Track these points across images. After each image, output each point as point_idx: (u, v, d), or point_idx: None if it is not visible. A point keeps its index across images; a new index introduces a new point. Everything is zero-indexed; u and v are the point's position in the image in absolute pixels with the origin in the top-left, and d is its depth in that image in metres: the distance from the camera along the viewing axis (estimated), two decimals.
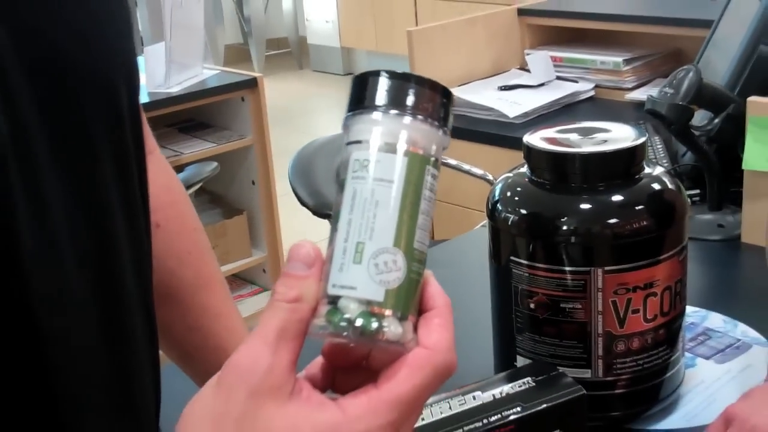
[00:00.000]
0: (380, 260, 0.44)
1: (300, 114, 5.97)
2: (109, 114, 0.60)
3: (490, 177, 1.94)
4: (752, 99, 1.36)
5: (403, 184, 0.46)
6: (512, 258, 0.95)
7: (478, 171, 1.96)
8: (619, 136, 0.97)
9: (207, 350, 0.83)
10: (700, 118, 1.53)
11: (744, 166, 1.37)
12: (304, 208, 1.78)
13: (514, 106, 2.19)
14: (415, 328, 0.46)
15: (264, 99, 2.87)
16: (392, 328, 0.44)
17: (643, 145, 0.95)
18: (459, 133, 2.24)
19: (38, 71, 0.53)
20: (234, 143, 2.91)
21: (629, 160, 0.95)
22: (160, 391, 0.66)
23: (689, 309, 1.04)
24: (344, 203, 0.46)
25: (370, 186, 0.46)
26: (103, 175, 0.59)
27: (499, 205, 0.97)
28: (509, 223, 0.95)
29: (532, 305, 0.94)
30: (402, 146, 0.47)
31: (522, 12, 2.53)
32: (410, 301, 0.45)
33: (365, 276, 0.44)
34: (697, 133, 1.49)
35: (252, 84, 2.85)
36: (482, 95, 2.28)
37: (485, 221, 1.02)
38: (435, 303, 0.47)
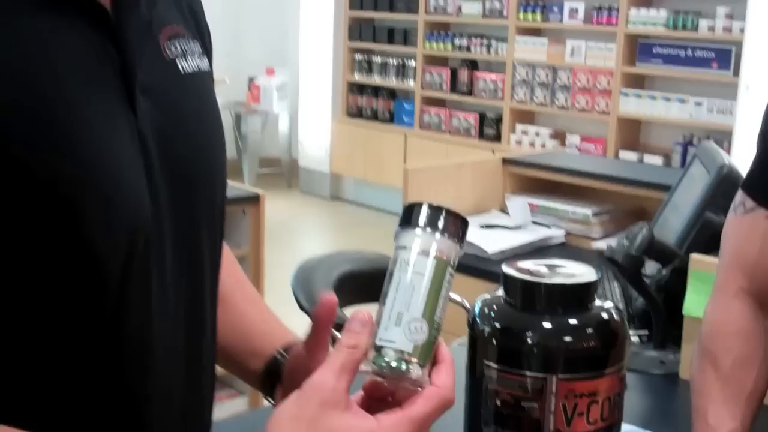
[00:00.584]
0: (412, 325, 0.69)
1: (286, 231, 6.21)
2: (209, 209, 0.85)
3: (467, 304, 2.17)
4: (694, 256, 1.62)
5: (431, 277, 0.70)
6: (485, 362, 1.17)
7: (457, 297, 2.19)
8: (578, 272, 1.21)
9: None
10: (651, 268, 1.78)
11: (684, 313, 1.61)
12: (289, 317, 1.98)
13: (493, 243, 2.45)
14: (429, 373, 0.70)
15: (264, 214, 3.12)
16: (416, 370, 0.69)
17: (595, 282, 1.18)
18: None
19: (170, 173, 0.77)
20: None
21: (584, 292, 1.18)
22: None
23: (628, 426, 1.26)
24: (391, 286, 0.70)
25: (409, 276, 0.70)
26: (202, 253, 0.83)
27: (477, 319, 1.20)
28: (485, 333, 1.18)
29: (498, 402, 1.16)
30: (432, 253, 0.71)
31: (506, 161, 2.83)
32: (429, 354, 0.70)
33: (401, 335, 0.68)
34: (648, 281, 1.74)
35: (254, 199, 3.10)
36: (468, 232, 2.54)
37: (461, 339, 1.25)
38: (443, 358, 0.72)
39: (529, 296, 1.19)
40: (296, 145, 7.66)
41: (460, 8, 6.39)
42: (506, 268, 1.23)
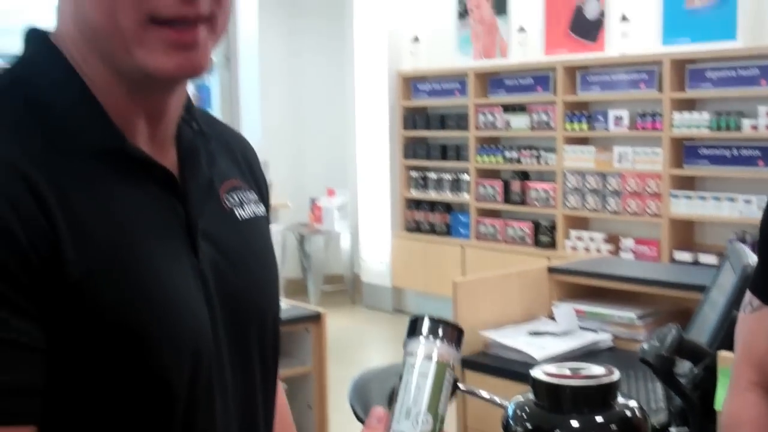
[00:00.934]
0: (420, 418, 0.83)
1: (351, 346, 6.34)
2: (261, 333, 1.01)
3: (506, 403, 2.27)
4: (722, 353, 1.72)
5: (434, 377, 0.85)
6: None
7: (497, 399, 2.30)
8: (600, 373, 1.33)
9: None
10: (685, 367, 1.88)
11: (716, 408, 1.70)
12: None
13: (540, 350, 2.56)
14: None
15: (326, 332, 3.27)
16: None
17: (616, 382, 1.30)
18: (491, 371, 2.60)
19: (226, 305, 0.94)
20: (294, 369, 3.29)
21: (607, 391, 1.31)
22: None
23: None
24: (401, 386, 0.85)
25: (415, 378, 0.85)
26: (253, 372, 0.99)
27: (510, 420, 1.32)
28: None
29: None
30: (434, 358, 0.86)
31: (552, 270, 2.96)
32: None
33: (411, 427, 0.83)
34: (683, 380, 1.83)
35: (316, 318, 3.26)
36: (514, 339, 2.66)
37: None
38: None
39: (555, 397, 1.31)
40: (358, 262, 7.85)
41: (508, 122, 6.61)
42: (533, 372, 1.36)
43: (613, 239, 6.05)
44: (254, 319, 1.00)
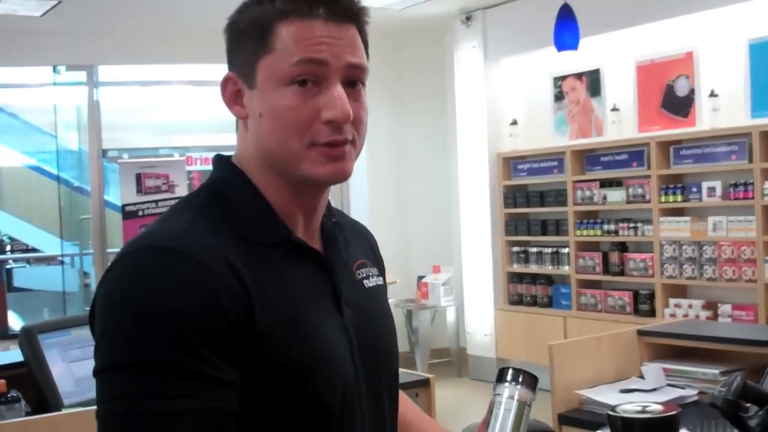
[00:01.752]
0: None
1: (457, 415, 6.58)
2: (388, 373, 1.36)
3: None
4: None
5: (515, 413, 1.19)
6: None
7: None
8: (664, 410, 1.63)
9: None
10: (752, 411, 2.13)
11: None
12: None
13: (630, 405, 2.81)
14: None
15: (434, 396, 3.58)
16: None
17: (676, 415, 1.60)
18: (585, 425, 2.87)
19: (363, 352, 1.29)
20: None
21: (670, 422, 1.60)
22: None
23: None
24: (491, 419, 1.20)
25: (501, 412, 1.19)
26: (383, 400, 1.34)
27: None
28: None
29: None
30: (515, 397, 1.20)
31: (641, 333, 3.22)
32: None
33: None
34: (753, 423, 2.09)
35: (425, 383, 3.57)
36: (606, 396, 2.93)
37: None
38: None
39: (628, 429, 1.62)
40: (464, 335, 8.12)
41: (605, 197, 6.87)
42: (609, 411, 1.68)
43: (711, 305, 6.20)
44: (384, 363, 1.36)
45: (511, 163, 7.74)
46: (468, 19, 7.83)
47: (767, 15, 5.70)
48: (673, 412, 1.61)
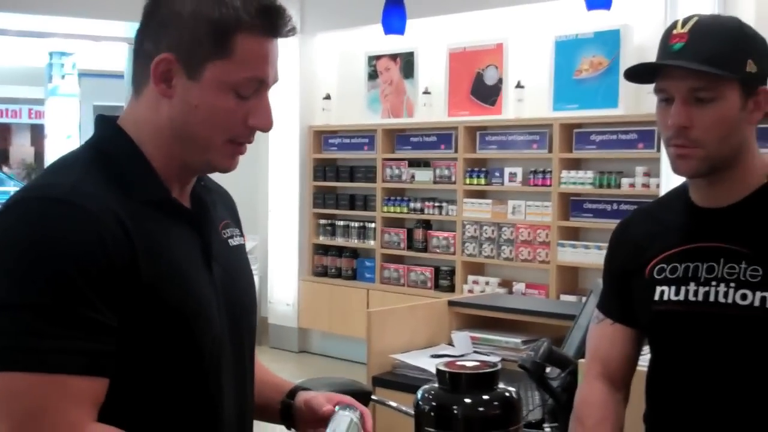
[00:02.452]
0: None
1: None
2: (248, 324, 1.45)
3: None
4: (581, 361, 2.20)
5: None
6: (426, 428, 1.73)
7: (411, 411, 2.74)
8: (488, 365, 1.79)
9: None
10: (555, 374, 2.35)
11: None
12: None
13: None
14: None
15: None
16: None
17: (497, 371, 1.76)
18: (399, 387, 3.04)
19: (228, 305, 1.37)
20: None
21: (491, 377, 1.77)
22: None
23: None
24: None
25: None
26: (244, 346, 1.43)
27: (419, 401, 1.76)
28: (425, 410, 1.74)
29: None
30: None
31: (451, 303, 3.44)
32: None
33: None
34: (555, 384, 2.31)
35: None
36: (418, 360, 3.11)
37: None
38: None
39: (454, 382, 1.77)
40: (266, 304, 8.20)
41: (413, 176, 7.13)
42: (439, 366, 1.82)
43: (506, 284, 6.60)
44: (245, 316, 1.47)
45: (322, 137, 7.86)
46: None
47: (572, 15, 6.09)
48: (495, 369, 1.78)
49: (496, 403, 1.75)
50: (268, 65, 1.32)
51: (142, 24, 1.33)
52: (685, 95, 1.59)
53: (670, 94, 1.61)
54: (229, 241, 1.47)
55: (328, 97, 7.80)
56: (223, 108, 1.30)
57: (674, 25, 1.63)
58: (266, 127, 1.34)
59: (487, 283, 6.65)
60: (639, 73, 1.66)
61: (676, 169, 1.65)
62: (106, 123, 1.37)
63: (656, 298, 1.72)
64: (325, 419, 1.50)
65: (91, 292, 1.19)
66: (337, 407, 1.53)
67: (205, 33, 1.28)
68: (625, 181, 5.95)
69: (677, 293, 1.69)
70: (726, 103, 1.59)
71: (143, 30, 1.32)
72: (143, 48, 1.31)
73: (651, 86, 1.67)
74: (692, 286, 1.68)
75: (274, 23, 1.30)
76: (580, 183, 6.14)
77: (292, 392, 1.61)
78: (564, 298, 6.08)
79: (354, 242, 7.61)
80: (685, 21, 1.62)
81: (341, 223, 7.71)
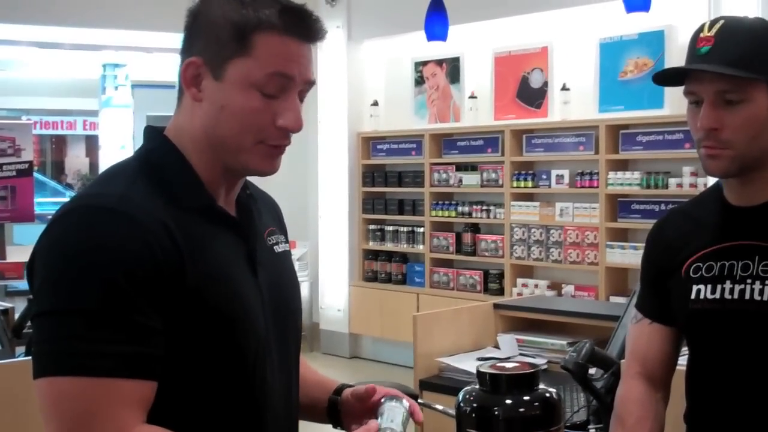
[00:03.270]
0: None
1: None
2: (294, 327, 1.51)
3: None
4: (624, 361, 2.23)
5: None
6: (467, 430, 1.78)
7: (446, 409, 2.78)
8: (528, 366, 1.83)
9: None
10: (598, 374, 2.38)
11: None
12: None
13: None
14: None
15: None
16: None
17: (538, 371, 1.80)
18: (445, 390, 3.09)
19: (273, 308, 1.44)
20: None
21: (532, 378, 1.80)
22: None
23: None
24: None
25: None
26: (290, 348, 1.49)
27: (461, 403, 1.81)
28: (467, 411, 1.78)
29: None
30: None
31: (496, 306, 3.47)
32: None
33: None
34: (597, 384, 2.34)
35: None
36: (465, 363, 3.15)
37: None
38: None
39: (495, 383, 1.81)
40: (317, 310, 8.28)
41: (461, 180, 7.17)
42: (479, 367, 1.87)
43: (555, 286, 6.60)
44: (290, 320, 1.53)
45: (370, 143, 7.93)
46: (333, 0, 7.94)
47: (616, 16, 6.08)
48: (535, 369, 1.82)
49: (536, 403, 1.79)
50: (293, 63, 1.34)
51: (183, 35, 1.39)
52: (714, 98, 1.62)
53: (699, 96, 1.65)
54: (275, 247, 1.52)
55: (375, 104, 7.87)
56: (248, 107, 1.33)
57: (701, 29, 1.66)
58: (294, 127, 1.36)
59: (536, 286, 6.66)
60: (668, 77, 1.69)
61: (707, 169, 1.68)
62: (153, 134, 1.43)
63: (693, 296, 1.75)
64: (371, 409, 1.52)
65: (138, 297, 1.24)
66: (384, 399, 1.54)
67: (227, 33, 1.32)
68: (672, 181, 5.93)
69: (713, 291, 1.72)
70: (754, 104, 1.61)
71: (183, 41, 1.39)
72: (181, 58, 1.38)
73: None
74: (728, 284, 1.70)
75: (295, 23, 1.33)
76: (627, 184, 6.12)
77: (339, 390, 1.64)
78: (613, 299, 6.07)
79: (403, 247, 7.67)
80: (712, 24, 1.65)
81: (390, 228, 7.77)
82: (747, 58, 1.60)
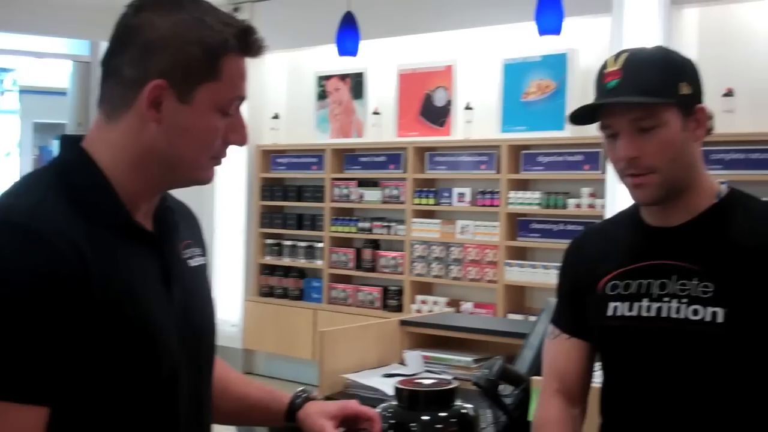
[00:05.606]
0: None
1: None
2: (207, 343, 1.45)
3: None
4: (535, 378, 2.22)
5: None
6: None
7: None
8: (444, 382, 1.80)
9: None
10: (508, 391, 2.37)
11: (530, 419, 2.19)
12: None
13: (392, 388, 3.00)
14: None
15: None
16: None
17: (455, 388, 1.78)
18: None
19: (187, 325, 1.37)
20: None
21: (448, 395, 1.77)
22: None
23: None
24: None
25: None
26: (201, 364, 1.42)
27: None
28: (384, 428, 1.74)
29: None
30: None
31: (403, 322, 3.44)
32: None
33: None
34: (507, 400, 2.32)
35: None
36: (370, 380, 3.10)
37: None
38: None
39: (412, 400, 1.77)
40: None
41: (362, 196, 7.14)
42: (397, 384, 1.83)
43: (454, 303, 6.62)
44: (204, 338, 1.47)
45: (270, 157, 7.84)
46: (236, 10, 7.82)
47: (521, 38, 6.17)
48: (452, 386, 1.79)
49: (453, 419, 1.76)
50: (245, 82, 1.38)
51: (114, 49, 1.33)
52: (629, 127, 1.66)
53: (615, 129, 1.68)
54: (189, 261, 1.46)
55: (276, 117, 7.79)
56: (212, 128, 1.34)
57: (605, 65, 1.70)
58: (244, 141, 1.39)
59: (435, 303, 6.67)
60: (582, 115, 1.71)
61: (637, 199, 1.72)
62: (69, 144, 1.37)
63: (609, 313, 1.75)
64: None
65: (38, 319, 1.19)
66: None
67: (197, 57, 1.30)
68: (571, 201, 6.03)
69: (630, 309, 1.73)
70: (668, 128, 1.66)
71: (118, 55, 1.32)
72: (121, 74, 1.31)
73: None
74: (645, 302, 1.71)
75: (249, 43, 1.35)
76: (527, 203, 6.21)
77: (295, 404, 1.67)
78: (511, 317, 6.13)
79: (301, 262, 7.58)
80: (616, 58, 1.69)
81: (288, 242, 7.68)
82: (655, 85, 1.64)
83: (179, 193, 1.46)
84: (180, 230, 1.46)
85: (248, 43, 1.35)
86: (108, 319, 1.25)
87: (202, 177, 1.38)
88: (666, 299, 1.69)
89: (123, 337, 1.27)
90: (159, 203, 1.42)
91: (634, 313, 1.72)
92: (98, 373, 1.25)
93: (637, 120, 1.64)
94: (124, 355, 1.27)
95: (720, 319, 1.63)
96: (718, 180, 1.78)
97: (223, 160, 1.40)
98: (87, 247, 1.24)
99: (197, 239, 1.53)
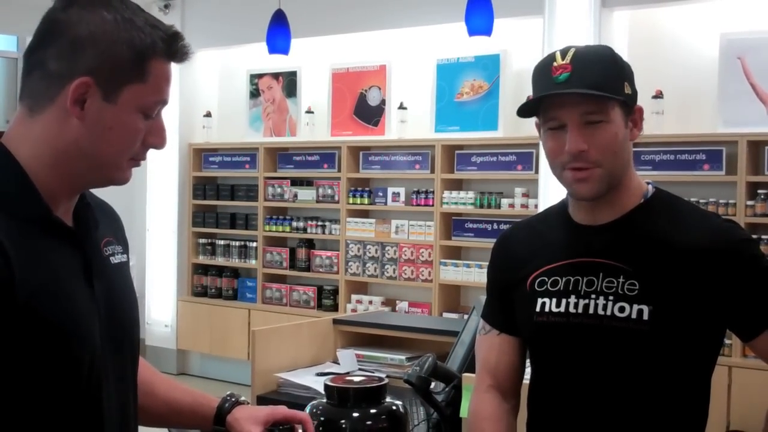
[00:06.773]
0: None
1: None
2: (129, 340, 1.43)
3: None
4: (466, 375, 2.23)
5: None
6: None
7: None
8: (374, 380, 1.80)
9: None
10: (440, 388, 2.37)
11: (462, 415, 2.20)
12: None
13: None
14: None
15: None
16: None
17: (384, 385, 1.78)
18: (285, 405, 3.01)
19: (109, 321, 1.35)
20: None
21: (378, 391, 1.77)
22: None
23: None
24: None
25: None
26: (126, 363, 1.41)
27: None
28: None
29: None
30: None
31: (336, 321, 3.43)
32: None
33: None
34: (439, 397, 2.33)
35: None
36: (304, 379, 3.09)
37: None
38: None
39: (342, 397, 1.77)
40: (144, 326, 7.99)
41: (296, 195, 7.11)
42: (327, 381, 1.82)
43: (390, 302, 6.64)
44: (127, 334, 1.46)
45: (202, 155, 7.75)
46: (166, 6, 7.73)
47: (454, 39, 6.20)
48: (382, 383, 1.79)
49: (383, 416, 1.76)
50: (169, 87, 1.38)
51: (40, 42, 1.32)
52: (579, 119, 1.67)
53: (562, 121, 1.68)
54: (111, 258, 1.46)
55: (208, 115, 7.71)
56: (134, 129, 1.35)
57: (553, 58, 1.71)
58: (162, 145, 1.40)
59: (370, 302, 6.67)
60: (531, 107, 1.72)
61: (576, 193, 1.72)
62: None
63: (537, 309, 1.77)
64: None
65: None
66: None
67: (125, 57, 1.31)
68: (504, 201, 6.08)
69: (558, 305, 1.75)
70: (613, 124, 1.68)
71: (44, 48, 1.31)
72: (46, 67, 1.30)
73: None
74: (573, 299, 1.73)
75: (175, 48, 1.35)
76: (461, 203, 6.24)
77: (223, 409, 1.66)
78: (446, 315, 6.16)
79: (235, 262, 7.52)
80: (564, 53, 1.70)
81: (222, 242, 7.61)
82: (603, 81, 1.66)
83: (108, 192, 1.44)
84: (100, 228, 1.46)
85: (175, 48, 1.35)
86: (31, 313, 1.24)
87: (120, 177, 1.38)
88: (593, 296, 1.71)
89: (46, 330, 1.26)
90: (79, 201, 1.42)
91: (561, 309, 1.74)
92: (24, 365, 1.24)
93: (586, 113, 1.66)
94: (48, 347, 1.26)
95: (645, 316, 1.66)
96: (645, 180, 1.81)
97: (141, 162, 1.40)
98: (7, 241, 1.23)
99: (119, 237, 1.53)
